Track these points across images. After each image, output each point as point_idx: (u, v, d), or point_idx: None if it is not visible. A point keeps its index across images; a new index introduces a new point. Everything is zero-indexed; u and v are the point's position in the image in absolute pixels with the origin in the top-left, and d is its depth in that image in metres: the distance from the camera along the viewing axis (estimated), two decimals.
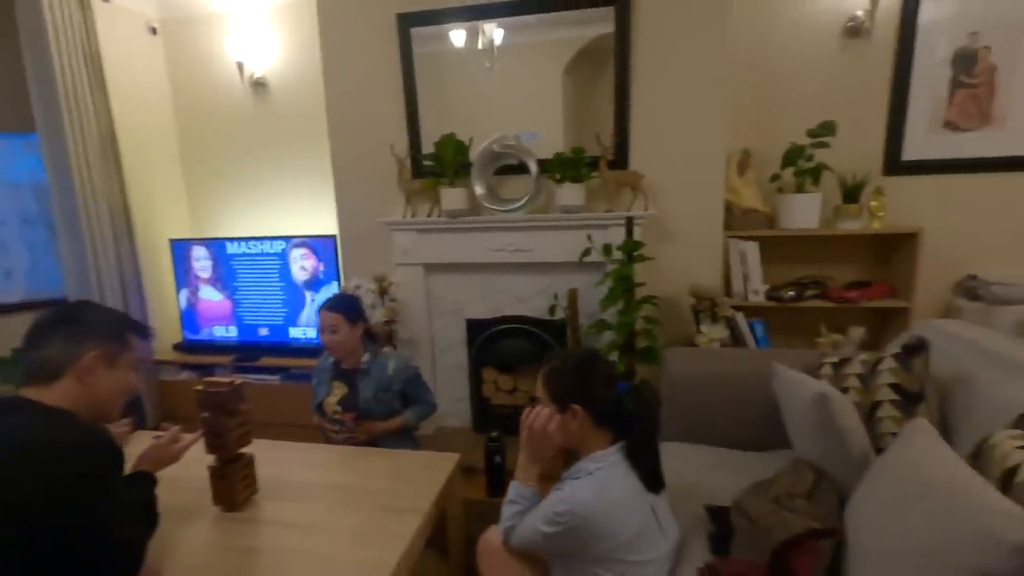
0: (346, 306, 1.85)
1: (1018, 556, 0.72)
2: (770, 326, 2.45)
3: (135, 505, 1.11)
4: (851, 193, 2.36)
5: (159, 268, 3.10)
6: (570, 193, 2.30)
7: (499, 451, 2.19)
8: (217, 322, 3.14)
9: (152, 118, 3.10)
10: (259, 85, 3.05)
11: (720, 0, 2.15)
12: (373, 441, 1.82)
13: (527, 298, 2.53)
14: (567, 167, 2.29)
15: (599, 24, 2.26)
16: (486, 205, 2.42)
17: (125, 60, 2.88)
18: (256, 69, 3.02)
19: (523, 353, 2.54)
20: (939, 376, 1.29)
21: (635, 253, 2.16)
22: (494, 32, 2.37)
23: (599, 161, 2.28)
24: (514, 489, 1.27)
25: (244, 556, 1.22)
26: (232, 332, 3.13)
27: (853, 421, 1.15)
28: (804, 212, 2.36)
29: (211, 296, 3.11)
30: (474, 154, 2.41)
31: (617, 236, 2.23)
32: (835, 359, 1.54)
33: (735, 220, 2.45)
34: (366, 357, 1.88)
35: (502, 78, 2.41)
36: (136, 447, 1.30)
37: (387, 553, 1.18)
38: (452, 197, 2.42)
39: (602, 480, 1.14)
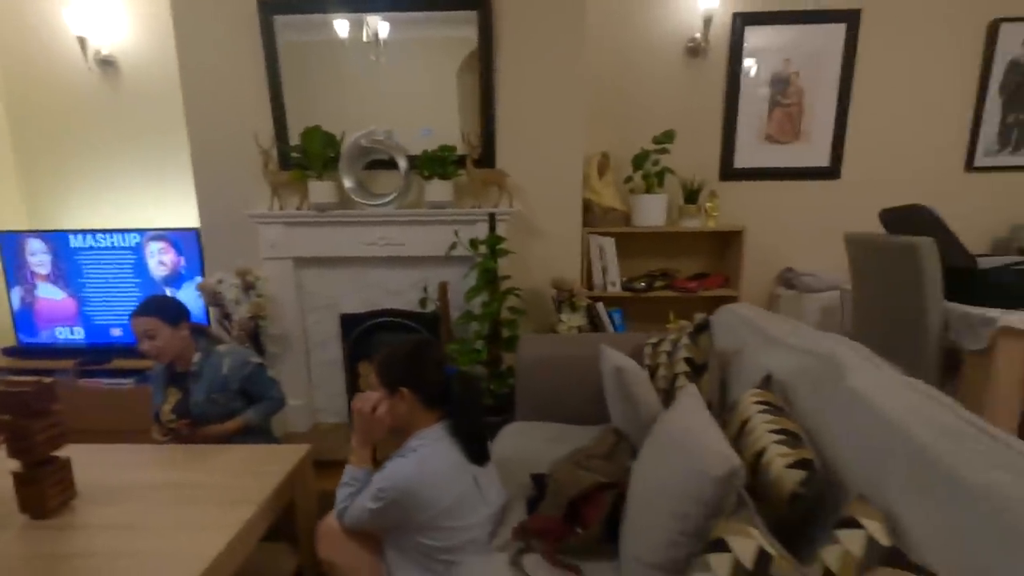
0: (161, 307, 1.75)
1: (718, 485, 0.90)
2: (628, 314, 2.71)
3: None
4: (691, 195, 2.66)
5: None
6: (438, 189, 2.38)
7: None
8: (59, 323, 2.84)
9: None
10: (107, 64, 2.80)
11: (575, 14, 2.33)
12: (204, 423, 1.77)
13: (400, 291, 2.57)
14: (435, 164, 2.36)
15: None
16: (356, 199, 2.43)
17: None
18: (102, 46, 2.77)
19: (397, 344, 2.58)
20: (724, 349, 1.53)
21: (498, 247, 2.28)
22: (378, 25, 2.37)
23: (466, 159, 2.37)
24: (348, 472, 1.33)
25: (53, 563, 1.15)
26: (78, 334, 2.85)
27: (643, 390, 1.33)
28: (653, 211, 2.62)
29: (52, 295, 2.81)
30: (344, 148, 2.41)
31: (483, 231, 2.34)
32: (655, 340, 1.75)
33: (596, 218, 2.66)
34: (197, 357, 1.80)
35: (393, 72, 2.41)
36: None
37: (210, 545, 1.17)
38: (320, 190, 2.39)
39: (424, 455, 1.22)
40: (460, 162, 2.38)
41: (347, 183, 2.42)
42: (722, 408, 1.38)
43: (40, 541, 1.23)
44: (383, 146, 2.40)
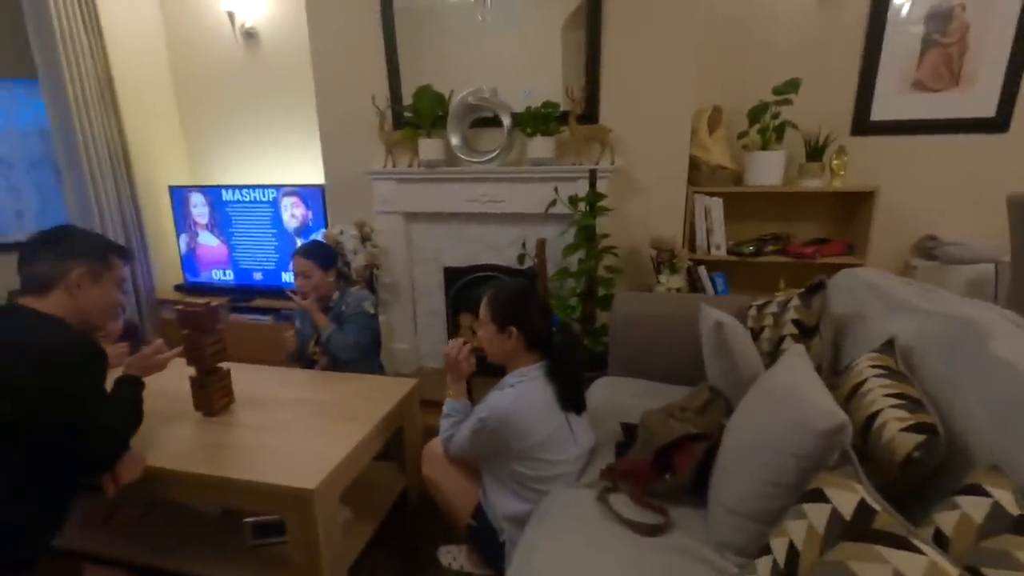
0: (318, 252, 2.00)
1: (820, 439, 0.87)
2: (732, 280, 2.57)
3: (119, 400, 1.31)
4: (815, 152, 2.42)
5: (159, 213, 3.27)
6: (540, 146, 2.40)
7: (467, 388, 2.37)
8: (215, 266, 3.32)
9: (148, 65, 3.20)
10: (249, 35, 3.13)
11: None
12: (337, 367, 2.00)
13: (500, 247, 2.67)
14: (537, 121, 2.38)
15: None
16: (461, 156, 2.53)
17: (120, 8, 2.96)
18: (247, 19, 3.09)
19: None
20: (840, 313, 1.42)
21: (597, 204, 2.27)
22: None
23: (569, 115, 2.36)
24: (447, 405, 1.48)
25: (217, 449, 1.42)
26: (229, 276, 3.32)
27: (743, 346, 1.29)
28: (768, 169, 2.43)
29: (209, 241, 3.29)
30: (452, 106, 2.50)
31: (584, 188, 2.34)
32: (760, 302, 1.67)
33: (703, 176, 2.53)
34: (336, 296, 2.04)
35: (498, 32, 2.44)
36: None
37: (335, 449, 1.37)
38: (429, 148, 2.52)
39: (521, 390, 1.31)
40: (563, 118, 2.38)
41: (454, 140, 2.52)
42: (833, 373, 1.30)
43: (208, 432, 1.50)
44: (488, 103, 2.46)
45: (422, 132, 2.53)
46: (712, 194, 2.49)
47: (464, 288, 2.78)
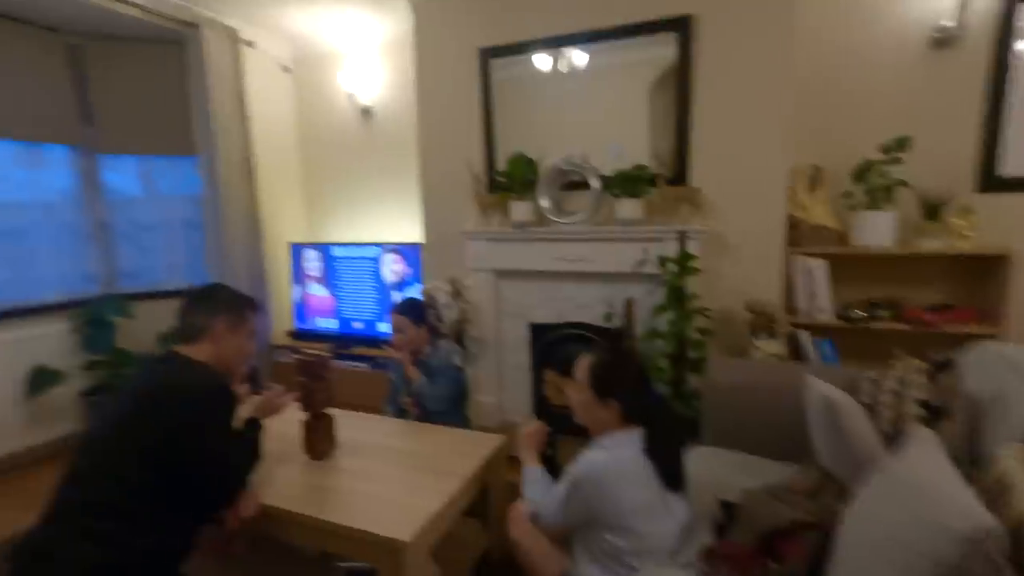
0: (412, 309, 2.16)
1: (961, 545, 0.78)
2: (841, 347, 2.39)
3: (245, 439, 1.46)
4: (932, 211, 2.24)
5: (279, 266, 3.67)
6: (629, 207, 2.44)
7: (552, 445, 2.35)
8: (321, 315, 3.64)
9: (281, 141, 3.71)
10: (365, 112, 3.54)
11: (784, 16, 2.19)
12: (427, 417, 2.08)
13: (587, 305, 2.69)
14: (627, 183, 2.43)
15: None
16: (550, 217, 2.63)
17: (263, 95, 3.49)
18: (364, 99, 3.51)
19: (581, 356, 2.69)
20: (976, 393, 1.27)
21: (687, 265, 2.24)
22: (576, 56, 2.57)
23: (657, 178, 2.39)
24: (528, 472, 1.52)
25: (320, 493, 1.52)
26: (333, 324, 3.61)
27: (860, 426, 1.19)
28: (878, 230, 2.29)
29: (318, 292, 3.63)
30: (543, 171, 2.64)
31: (673, 249, 2.32)
32: (875, 376, 1.54)
33: (803, 237, 2.42)
34: (428, 350, 2.16)
35: (586, 97, 2.59)
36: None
37: (428, 502, 1.41)
38: (520, 209, 2.65)
39: (616, 453, 1.29)
40: (652, 181, 2.41)
41: (543, 203, 2.64)
42: (969, 464, 1.15)
43: (313, 475, 1.61)
44: (578, 168, 2.56)
45: (514, 195, 2.68)
46: (814, 255, 2.36)
47: (550, 344, 2.81)
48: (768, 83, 2.25)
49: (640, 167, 2.41)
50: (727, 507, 1.35)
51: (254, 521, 1.41)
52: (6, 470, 2.63)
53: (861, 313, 2.33)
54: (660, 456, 1.30)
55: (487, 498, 1.79)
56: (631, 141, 2.52)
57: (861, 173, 2.25)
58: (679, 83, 2.36)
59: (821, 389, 1.30)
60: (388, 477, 1.58)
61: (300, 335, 3.65)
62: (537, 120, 2.71)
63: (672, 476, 1.31)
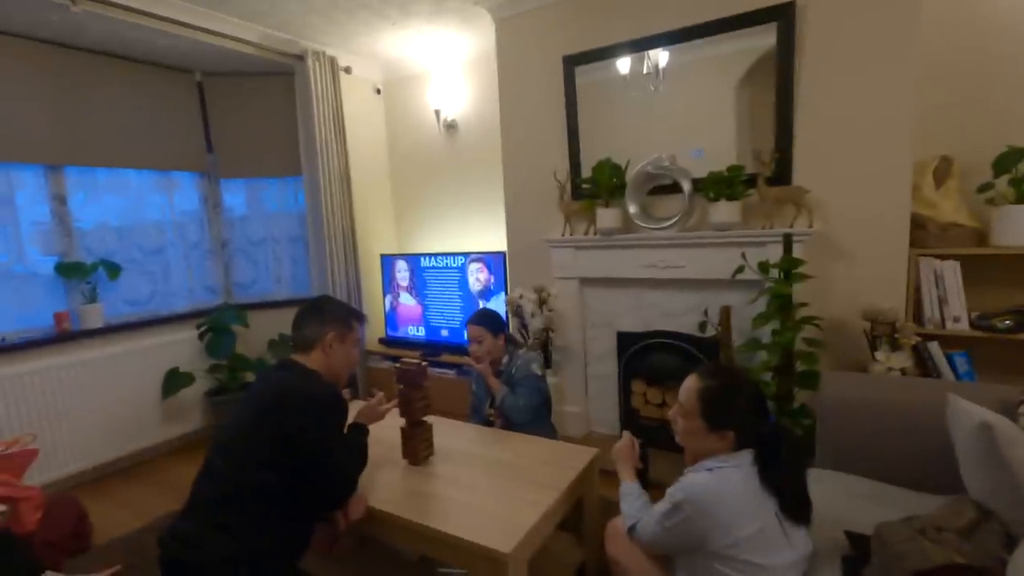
0: (488, 319, 2.17)
1: None
2: (978, 362, 2.10)
3: (353, 444, 1.53)
4: None
5: (372, 277, 3.88)
6: (724, 211, 2.31)
7: (643, 459, 2.26)
8: (411, 323, 3.79)
9: (373, 158, 3.92)
10: (451, 127, 3.66)
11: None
12: (512, 428, 2.07)
13: (676, 313, 2.58)
14: (722, 185, 2.31)
15: (771, 34, 2.21)
16: (639, 223, 2.55)
17: (357, 116, 3.72)
18: (449, 114, 3.63)
19: (672, 368, 2.59)
20: None
21: (793, 271, 2.07)
22: (659, 56, 2.50)
23: (757, 178, 2.25)
24: (624, 487, 1.46)
25: (421, 499, 1.56)
26: (421, 332, 3.75)
27: (1023, 453, 1.03)
28: None
29: (407, 301, 3.78)
30: (630, 176, 2.57)
31: (775, 254, 2.17)
32: None
33: (930, 237, 2.17)
34: (506, 359, 2.16)
35: (669, 97, 2.50)
36: (352, 411, 1.75)
37: (526, 514, 1.41)
38: (607, 216, 2.60)
39: (724, 474, 1.20)
40: (749, 182, 2.27)
41: (631, 208, 2.57)
42: None
43: (413, 481, 1.67)
44: (667, 171, 2.47)
45: (600, 202, 2.63)
46: (944, 257, 2.10)
47: (637, 354, 2.72)
48: (888, 65, 2.04)
49: (735, 167, 2.28)
50: (856, 540, 1.22)
51: (362, 522, 1.47)
52: (146, 460, 2.99)
53: (1005, 322, 2.04)
54: (779, 483, 1.20)
55: (581, 512, 1.76)
56: (716, 142, 2.39)
57: (1006, 162, 1.97)
58: (780, 74, 2.21)
59: (971, 411, 1.14)
60: (485, 486, 1.59)
61: (391, 342, 3.82)
62: (621, 124, 2.65)
63: (793, 505, 1.20)
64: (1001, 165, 1.99)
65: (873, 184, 2.11)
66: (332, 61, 3.40)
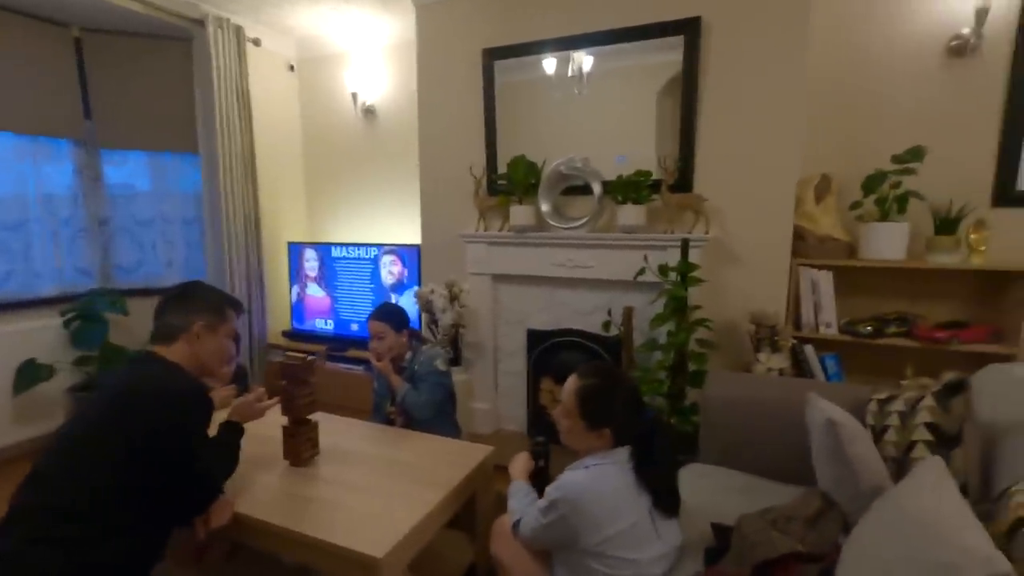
0: (391, 314, 2.08)
1: None
2: (847, 363, 2.30)
3: (221, 444, 1.40)
4: (946, 224, 2.16)
5: (278, 266, 3.64)
6: (631, 214, 2.38)
7: (544, 455, 2.24)
8: (319, 315, 3.60)
9: (284, 141, 3.68)
10: (369, 112, 3.51)
11: (797, 24, 2.12)
12: (414, 426, 2.01)
13: (586, 312, 2.62)
14: (629, 189, 2.37)
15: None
16: (550, 222, 2.57)
17: (267, 93, 3.47)
18: (368, 99, 3.48)
19: (578, 365, 2.62)
20: (988, 420, 1.19)
21: (689, 275, 2.17)
22: (583, 60, 2.52)
23: (661, 184, 2.33)
24: (512, 485, 1.45)
25: (296, 502, 1.46)
26: (330, 325, 3.57)
27: (863, 450, 1.11)
28: (888, 242, 2.21)
29: (315, 293, 3.59)
30: (544, 175, 2.58)
31: (675, 257, 2.26)
32: (884, 395, 1.46)
33: (809, 248, 2.35)
34: (409, 355, 2.09)
35: (592, 101, 2.52)
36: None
37: (407, 515, 1.35)
38: (520, 214, 2.60)
39: (598, 472, 1.22)
40: (655, 187, 2.35)
41: (544, 207, 2.58)
42: (983, 497, 1.08)
43: (292, 483, 1.56)
44: (579, 172, 2.50)
45: (514, 199, 2.62)
46: (821, 267, 2.28)
47: (547, 351, 2.74)
48: (779, 88, 2.18)
49: (642, 173, 2.35)
50: (720, 531, 1.27)
51: (226, 530, 1.35)
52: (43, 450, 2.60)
53: (868, 328, 2.25)
54: (651, 477, 1.23)
55: (474, 510, 1.73)
56: (638, 148, 2.45)
57: (872, 183, 2.17)
58: (685, 86, 2.30)
59: (823, 408, 1.22)
60: (369, 487, 1.52)
61: (296, 335, 3.61)
62: (542, 124, 2.66)
63: (664, 499, 1.24)
64: (869, 186, 2.19)
65: (763, 196, 2.25)
66: (238, 30, 3.14)
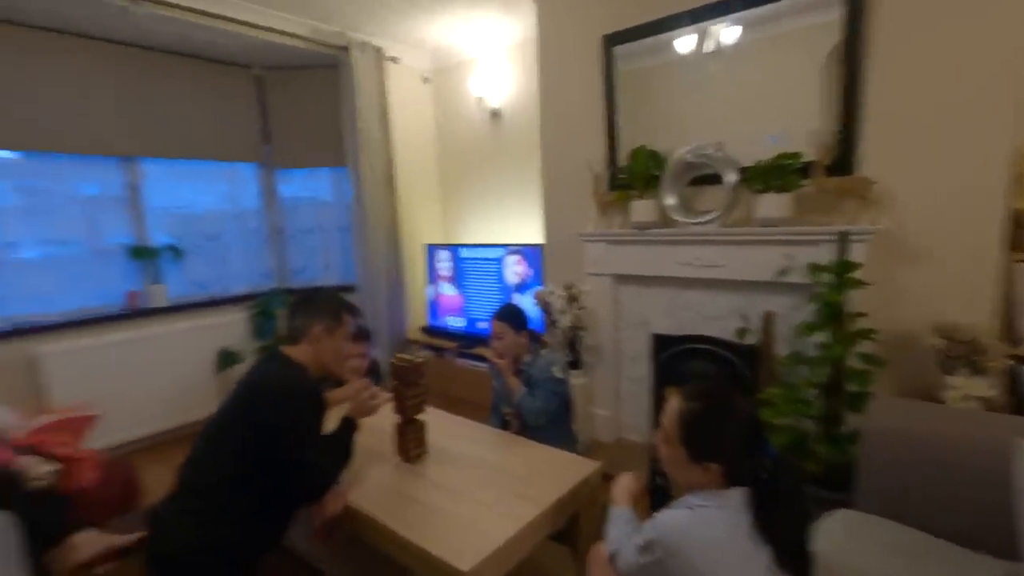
0: (511, 315, 2.07)
1: None
2: None
3: (337, 439, 1.51)
4: None
5: (416, 266, 3.91)
6: (772, 204, 2.05)
7: (663, 473, 2.09)
8: (451, 313, 3.79)
9: (420, 147, 3.94)
10: (494, 115, 3.58)
11: None
12: (527, 431, 1.97)
13: (716, 317, 2.34)
14: (770, 175, 2.04)
15: None
16: (675, 217, 2.33)
17: (404, 106, 3.74)
18: (494, 102, 3.55)
19: (709, 375, 2.35)
20: None
21: (848, 275, 1.79)
22: (722, 32, 2.24)
23: (814, 167, 1.96)
24: (612, 511, 1.30)
25: (402, 501, 1.51)
26: (461, 322, 3.73)
27: None
28: None
29: (448, 292, 3.78)
30: (669, 165, 2.35)
31: (829, 254, 1.88)
32: None
33: None
34: (527, 359, 2.06)
35: (732, 79, 2.23)
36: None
37: (502, 528, 1.32)
38: (641, 209, 2.41)
39: (704, 515, 1.04)
40: (804, 171, 1.99)
41: (668, 201, 2.35)
42: None
43: (399, 480, 1.63)
44: (709, 160, 2.23)
45: (635, 193, 2.44)
46: None
47: (674, 358, 2.51)
48: (986, 33, 1.67)
49: (788, 155, 2.00)
50: None
51: (339, 518, 1.46)
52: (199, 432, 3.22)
53: None
54: (774, 531, 1.02)
55: (578, 526, 1.64)
56: (794, 126, 2.08)
57: None
58: (847, 45, 1.90)
59: None
60: (469, 493, 1.52)
61: (432, 332, 3.85)
62: (666, 112, 2.43)
63: (789, 555, 1.02)
64: None
65: (958, 174, 1.76)
66: (378, 51, 3.43)
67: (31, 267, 2.79)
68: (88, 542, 1.85)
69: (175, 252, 3.16)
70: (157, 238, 3.18)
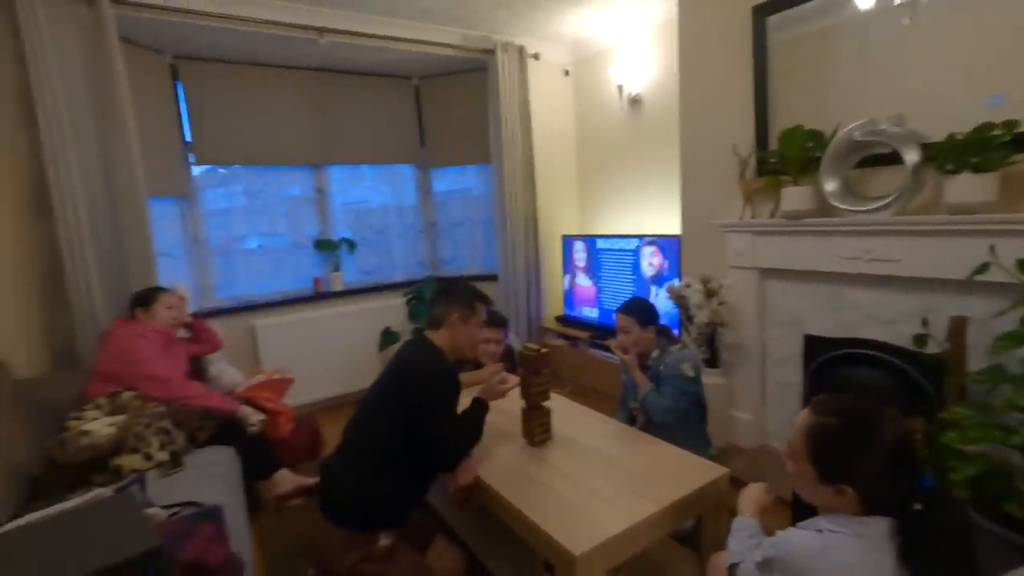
0: (638, 309, 2.03)
1: None
2: None
3: (467, 418, 1.67)
4: None
5: (553, 257, 4.01)
6: (969, 187, 1.70)
7: None
8: (586, 303, 3.82)
9: (558, 142, 4.00)
10: (635, 102, 3.48)
11: None
12: (654, 428, 1.94)
13: (887, 320, 2.02)
14: (968, 151, 1.69)
15: None
16: (836, 204, 2.06)
17: (544, 100, 3.83)
18: (633, 88, 3.45)
19: (875, 387, 2.05)
20: None
21: None
22: None
23: None
24: (736, 521, 1.23)
25: (525, 481, 1.61)
26: (595, 313, 3.75)
27: None
28: None
29: (583, 282, 3.82)
30: (831, 146, 2.08)
31: None
32: None
33: None
34: (655, 354, 2.00)
35: (926, 37, 1.88)
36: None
37: (617, 522, 1.35)
38: (795, 196, 2.17)
39: (835, 541, 0.95)
40: (1015, 144, 1.60)
41: (828, 186, 2.08)
42: None
43: (524, 461, 1.73)
44: (884, 137, 1.91)
45: (787, 179, 2.20)
46: None
47: (829, 363, 2.23)
48: None
49: (992, 125, 1.63)
50: None
51: (469, 488, 1.62)
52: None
53: None
54: (922, 569, 0.89)
55: (702, 530, 1.58)
56: (1019, 91, 1.68)
57: None
58: None
59: None
60: (587, 483, 1.56)
61: (566, 321, 3.93)
62: (831, 84, 2.15)
63: None
64: None
65: None
66: (520, 50, 3.56)
67: (252, 255, 3.51)
68: (285, 480, 2.31)
69: (350, 244, 3.69)
70: (337, 232, 3.75)
